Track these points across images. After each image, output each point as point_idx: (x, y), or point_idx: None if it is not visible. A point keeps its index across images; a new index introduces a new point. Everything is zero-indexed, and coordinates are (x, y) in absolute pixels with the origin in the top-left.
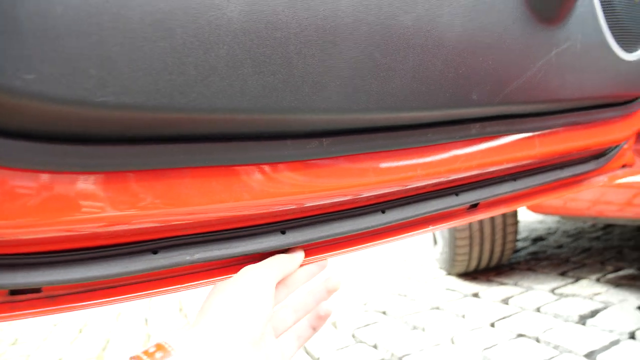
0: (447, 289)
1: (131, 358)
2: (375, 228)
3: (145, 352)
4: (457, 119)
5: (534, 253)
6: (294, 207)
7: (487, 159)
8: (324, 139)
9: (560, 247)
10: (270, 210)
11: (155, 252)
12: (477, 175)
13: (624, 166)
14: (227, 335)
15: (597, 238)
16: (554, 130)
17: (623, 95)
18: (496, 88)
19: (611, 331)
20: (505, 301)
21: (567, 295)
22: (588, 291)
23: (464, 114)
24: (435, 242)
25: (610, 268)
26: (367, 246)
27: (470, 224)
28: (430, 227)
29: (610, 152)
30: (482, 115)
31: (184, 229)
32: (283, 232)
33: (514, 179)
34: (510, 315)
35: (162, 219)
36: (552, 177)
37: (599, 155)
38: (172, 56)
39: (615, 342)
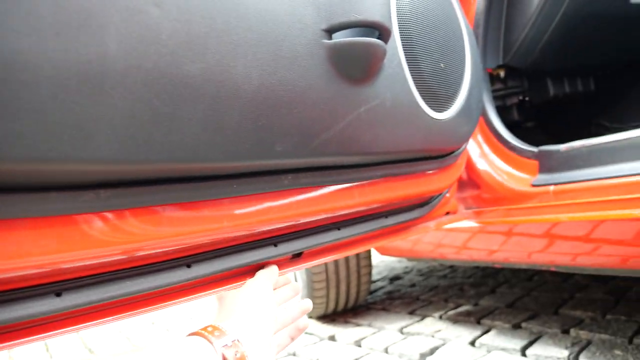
0: (306, 333)
1: (191, 333)
2: (180, 284)
3: (205, 329)
4: (265, 170)
5: (390, 292)
6: (70, 265)
7: (304, 209)
8: (101, 191)
9: (413, 285)
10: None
11: None
12: (299, 224)
13: (447, 213)
14: (257, 326)
15: (444, 276)
16: (374, 181)
17: (437, 150)
18: (303, 140)
19: None
20: (358, 343)
21: (413, 334)
22: (431, 329)
23: (272, 166)
24: None
25: (451, 305)
26: (171, 304)
27: (326, 267)
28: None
29: (432, 201)
30: (294, 167)
31: None
32: (58, 295)
33: (338, 228)
34: (361, 357)
35: None
36: (377, 225)
37: (423, 203)
38: None
39: None
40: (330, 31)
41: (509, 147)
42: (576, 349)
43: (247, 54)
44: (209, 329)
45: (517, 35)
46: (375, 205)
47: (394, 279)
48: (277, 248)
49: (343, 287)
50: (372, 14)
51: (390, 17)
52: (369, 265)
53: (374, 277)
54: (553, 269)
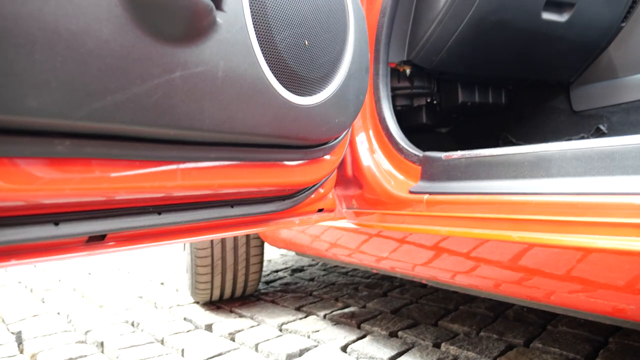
0: (185, 319)
1: None
2: None
3: None
4: (21, 129)
5: (287, 284)
6: None
7: (93, 184)
8: None
9: (311, 279)
10: None
11: None
12: (98, 202)
13: (320, 210)
14: None
15: (345, 274)
16: (209, 164)
17: (297, 139)
18: (73, 97)
19: None
20: (233, 336)
21: (290, 332)
22: (310, 328)
23: (31, 125)
24: (187, 268)
25: (340, 305)
26: None
27: (212, 252)
28: (12, 261)
29: (298, 195)
30: (72, 131)
31: None
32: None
33: (158, 213)
34: (227, 352)
35: None
36: (217, 214)
37: (285, 197)
38: None
39: None
40: None
41: (397, 148)
42: None
43: None
44: None
45: (424, 31)
46: (208, 192)
47: (296, 270)
48: (57, 227)
49: (229, 276)
50: None
51: None
52: (260, 255)
53: (278, 266)
54: (424, 282)
